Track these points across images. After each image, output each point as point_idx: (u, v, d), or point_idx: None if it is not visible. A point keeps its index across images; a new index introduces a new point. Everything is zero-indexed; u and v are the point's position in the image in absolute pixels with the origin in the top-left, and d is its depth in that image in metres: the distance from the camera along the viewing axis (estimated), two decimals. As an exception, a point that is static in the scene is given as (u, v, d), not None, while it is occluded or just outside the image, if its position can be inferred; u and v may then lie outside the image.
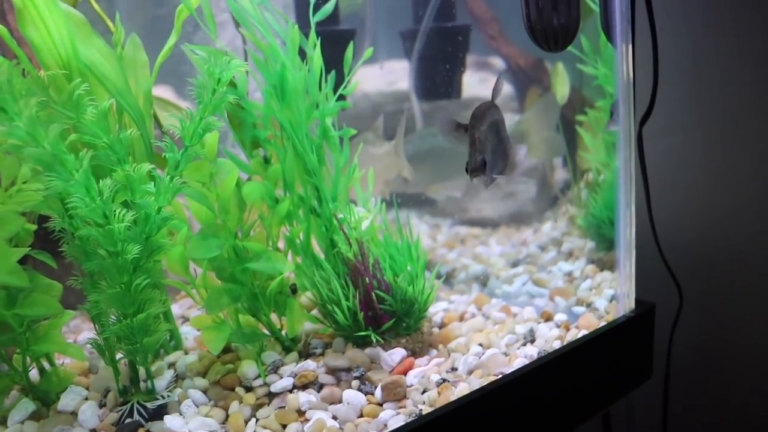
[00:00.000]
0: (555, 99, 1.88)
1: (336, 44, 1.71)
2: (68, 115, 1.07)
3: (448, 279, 1.82)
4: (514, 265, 1.89)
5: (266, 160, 1.30)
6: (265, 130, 1.28)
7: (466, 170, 1.17)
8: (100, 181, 1.05)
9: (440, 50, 2.02)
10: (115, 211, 1.05)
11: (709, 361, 1.88)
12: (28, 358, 1.16)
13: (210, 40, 1.28)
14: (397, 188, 1.87)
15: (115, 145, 1.09)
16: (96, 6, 1.32)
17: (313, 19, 1.33)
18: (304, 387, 1.19)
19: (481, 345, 1.36)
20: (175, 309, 1.59)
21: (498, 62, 2.53)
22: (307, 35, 1.32)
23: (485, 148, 1.18)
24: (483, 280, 1.79)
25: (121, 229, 1.05)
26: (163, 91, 1.78)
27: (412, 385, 1.20)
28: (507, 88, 2.48)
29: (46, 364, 1.21)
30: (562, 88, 1.99)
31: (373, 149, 1.75)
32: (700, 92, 1.80)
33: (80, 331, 1.54)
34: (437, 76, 2.05)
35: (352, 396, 1.16)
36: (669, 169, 1.84)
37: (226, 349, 1.26)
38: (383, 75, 2.46)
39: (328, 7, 1.35)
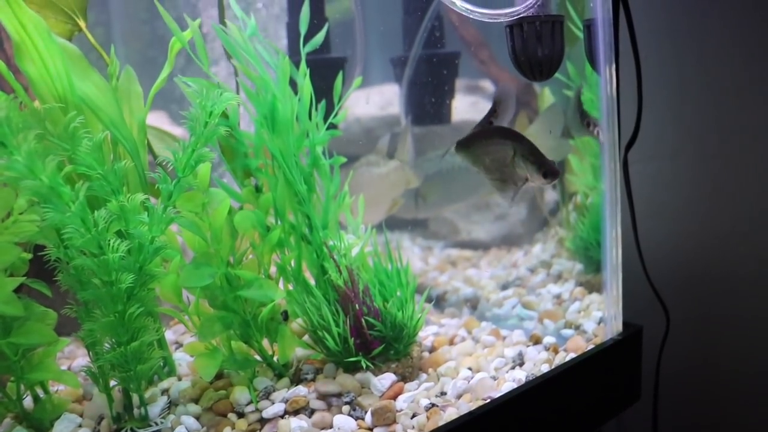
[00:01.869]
0: (559, 108, 1.88)
1: (327, 71, 1.75)
2: (64, 147, 1.09)
3: (439, 302, 1.85)
4: (504, 287, 1.91)
5: (258, 189, 1.32)
6: (256, 159, 1.31)
7: (545, 176, 1.29)
8: (95, 211, 1.07)
9: (430, 76, 2.05)
10: (109, 241, 1.07)
11: (697, 382, 1.90)
12: (22, 386, 1.18)
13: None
14: (405, 209, 1.90)
15: (109, 176, 1.11)
16: (92, 39, 1.35)
17: (304, 50, 1.36)
18: (295, 412, 1.20)
19: (470, 369, 1.38)
20: (169, 335, 1.60)
21: (488, 86, 2.57)
22: (297, 64, 1.35)
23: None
24: (473, 303, 1.81)
25: (116, 259, 1.07)
26: (156, 117, 1.81)
27: (401, 410, 1.22)
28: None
29: (40, 392, 1.22)
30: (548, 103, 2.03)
31: (378, 170, 1.78)
32: (684, 118, 1.84)
33: (75, 357, 1.55)
34: (428, 102, 2.08)
35: (343, 421, 1.18)
36: (655, 193, 1.87)
37: (219, 376, 1.28)
38: (375, 99, 2.50)
39: (318, 39, 1.39)
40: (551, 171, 1.29)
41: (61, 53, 1.17)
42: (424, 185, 1.88)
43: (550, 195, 2.25)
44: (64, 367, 1.41)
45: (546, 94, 2.07)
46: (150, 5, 1.26)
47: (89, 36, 1.37)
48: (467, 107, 2.48)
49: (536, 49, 1.28)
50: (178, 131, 2.10)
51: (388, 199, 1.80)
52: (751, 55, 1.70)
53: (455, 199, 2.05)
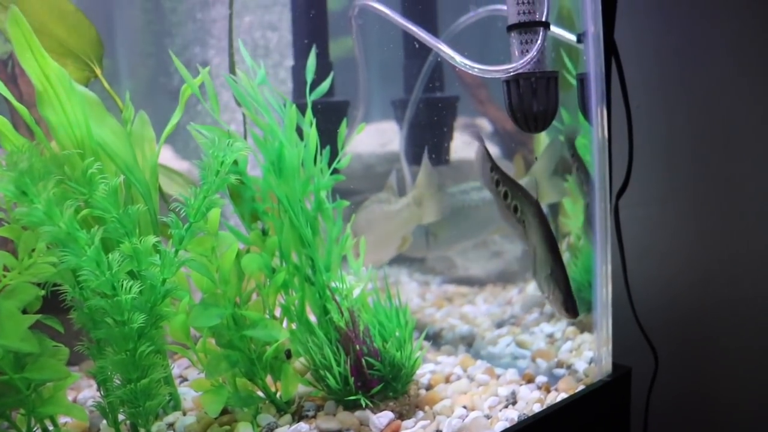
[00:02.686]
0: (560, 144, 1.89)
1: (330, 115, 1.81)
2: (81, 191, 1.15)
3: (436, 339, 1.89)
4: (499, 325, 1.96)
5: (264, 232, 1.38)
6: (263, 204, 1.37)
7: (565, 310, 1.40)
8: (109, 254, 1.13)
9: (429, 118, 2.12)
10: (122, 282, 1.12)
11: (684, 423, 1.95)
12: (32, 419, 1.22)
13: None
14: (416, 246, 1.93)
15: (123, 219, 1.17)
16: (107, 86, 1.41)
17: (310, 98, 1.42)
18: (297, 449, 1.25)
19: (465, 407, 1.42)
20: (174, 368, 1.64)
21: (485, 125, 2.63)
22: (301, 107, 1.41)
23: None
24: (469, 341, 1.86)
25: (128, 300, 1.13)
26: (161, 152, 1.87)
27: (399, 448, 1.26)
28: (493, 151, 2.58)
29: (49, 425, 1.26)
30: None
31: (388, 207, 1.83)
32: (674, 167, 1.90)
33: (80, 388, 1.59)
34: (426, 142, 2.15)
35: (343, 458, 1.22)
36: (644, 237, 1.93)
37: (224, 411, 1.32)
38: (375, 136, 2.57)
39: (323, 87, 1.45)
40: (572, 309, 1.39)
41: (80, 100, 1.23)
42: (435, 223, 1.90)
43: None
44: (69, 398, 1.45)
45: (541, 136, 2.13)
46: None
47: (104, 83, 1.44)
48: (464, 146, 2.54)
49: (532, 103, 1.34)
50: (183, 165, 2.17)
51: (399, 237, 1.84)
52: (739, 108, 1.77)
53: (466, 236, 2.07)
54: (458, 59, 1.36)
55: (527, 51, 1.33)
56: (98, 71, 1.42)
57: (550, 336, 1.85)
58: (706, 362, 1.90)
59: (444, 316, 2.07)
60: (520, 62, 1.33)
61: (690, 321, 1.90)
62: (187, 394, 1.47)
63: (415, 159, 2.19)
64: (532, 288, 2.22)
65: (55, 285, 1.18)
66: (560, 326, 1.89)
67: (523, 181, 1.94)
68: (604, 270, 1.51)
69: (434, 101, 2.10)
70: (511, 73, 1.33)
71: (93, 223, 1.16)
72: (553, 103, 1.37)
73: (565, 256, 2.00)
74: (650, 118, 1.85)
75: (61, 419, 1.31)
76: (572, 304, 1.39)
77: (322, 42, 1.93)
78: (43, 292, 1.23)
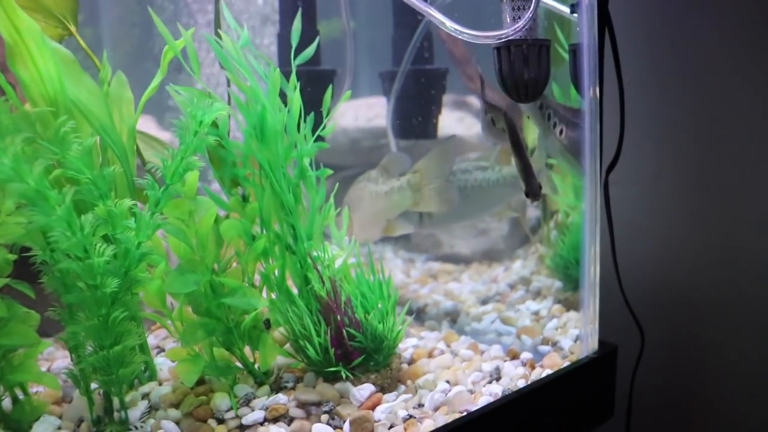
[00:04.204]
0: (453, 146, 1.79)
1: (316, 84, 1.76)
2: (53, 151, 1.11)
3: (420, 315, 1.87)
4: (484, 302, 1.94)
5: (244, 198, 1.34)
6: (244, 169, 1.32)
7: (527, 195, 1.44)
8: (82, 216, 1.08)
9: (418, 91, 2.08)
10: (95, 245, 1.08)
11: (669, 401, 1.94)
12: (1, 387, 1.18)
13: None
14: (408, 224, 1.85)
15: (98, 180, 1.13)
16: (83, 44, 1.36)
17: (294, 62, 1.38)
18: (274, 420, 1.22)
19: (448, 382, 1.40)
20: (151, 339, 1.61)
21: (475, 102, 2.60)
22: (287, 74, 1.37)
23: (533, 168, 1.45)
24: (453, 317, 1.83)
25: (101, 263, 1.09)
26: (143, 122, 1.82)
27: (379, 420, 1.23)
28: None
29: (19, 393, 1.22)
30: (533, 131, 2.06)
31: (376, 187, 1.77)
32: (665, 145, 1.88)
33: (54, 359, 1.55)
34: (414, 116, 2.11)
35: (322, 430, 1.19)
36: (634, 215, 1.91)
37: (200, 381, 1.29)
38: (362, 111, 2.53)
39: (308, 51, 1.41)
40: (533, 192, 1.43)
41: (53, 57, 1.19)
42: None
43: (532, 212, 2.28)
44: (43, 369, 1.41)
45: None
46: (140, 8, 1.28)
47: (80, 40, 1.38)
48: (454, 122, 2.51)
49: (522, 71, 1.31)
50: (165, 136, 2.12)
51: (383, 219, 1.78)
52: (732, 85, 1.75)
53: (462, 218, 2.01)
54: (448, 24, 1.32)
55: (519, 18, 1.30)
56: (73, 28, 1.36)
57: (536, 313, 1.83)
58: (693, 342, 1.89)
59: (428, 293, 2.04)
60: (511, 28, 1.29)
61: (678, 301, 1.89)
62: (163, 364, 1.43)
63: (402, 133, 2.16)
64: (518, 265, 2.20)
65: (24, 250, 1.14)
66: (546, 304, 1.87)
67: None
68: (593, 248, 1.49)
69: (422, 73, 2.06)
70: (502, 40, 1.30)
71: (66, 185, 1.11)
72: (544, 71, 1.34)
73: (553, 234, 1.98)
74: (643, 94, 1.82)
75: (33, 388, 1.27)
76: (534, 187, 1.44)
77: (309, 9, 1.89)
78: (13, 257, 1.19)
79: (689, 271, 1.87)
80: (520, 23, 1.29)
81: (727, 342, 1.82)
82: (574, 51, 1.47)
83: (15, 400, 1.21)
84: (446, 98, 2.23)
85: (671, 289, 1.90)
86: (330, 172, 1.42)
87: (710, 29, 1.77)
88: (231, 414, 1.22)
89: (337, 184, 1.48)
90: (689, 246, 1.86)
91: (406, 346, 1.58)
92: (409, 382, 1.40)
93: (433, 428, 1.20)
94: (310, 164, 1.40)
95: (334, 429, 1.20)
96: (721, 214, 1.80)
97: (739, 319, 1.79)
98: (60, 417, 1.23)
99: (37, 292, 1.18)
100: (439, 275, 2.24)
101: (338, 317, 1.31)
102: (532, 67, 1.31)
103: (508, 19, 1.31)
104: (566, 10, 1.49)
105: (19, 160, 1.03)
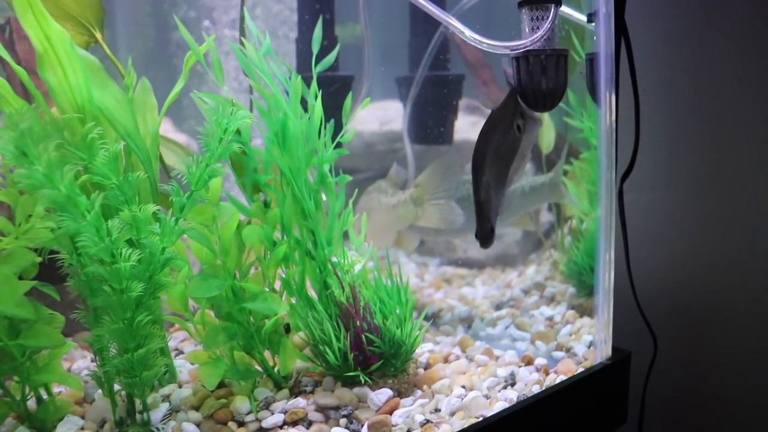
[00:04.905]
0: (453, 159, 1.74)
1: (335, 89, 1.78)
2: (81, 157, 1.13)
3: (435, 319, 1.88)
4: (498, 307, 1.95)
5: (266, 204, 1.36)
6: (265, 175, 1.34)
7: (476, 236, 1.32)
8: (109, 221, 1.10)
9: (434, 97, 2.09)
10: (121, 250, 1.10)
11: (682, 408, 1.95)
12: (26, 387, 1.20)
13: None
14: (424, 231, 1.84)
15: (123, 186, 1.15)
16: (108, 51, 1.38)
17: (315, 70, 1.40)
18: (294, 423, 1.23)
19: (463, 387, 1.41)
20: (170, 342, 1.63)
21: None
22: (306, 80, 1.38)
23: (491, 207, 1.31)
24: (468, 322, 1.85)
25: (127, 268, 1.11)
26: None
27: (397, 425, 1.25)
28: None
29: (43, 393, 1.24)
30: (547, 136, 2.08)
31: (385, 199, 1.78)
32: (680, 153, 1.89)
33: (74, 359, 1.57)
34: (430, 121, 2.12)
35: (340, 433, 1.21)
36: (648, 222, 1.92)
37: (220, 385, 1.31)
38: (377, 115, 2.54)
39: (329, 59, 1.43)
40: (482, 238, 1.32)
41: (81, 64, 1.21)
42: None
43: (545, 216, 2.29)
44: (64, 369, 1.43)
45: (545, 119, 2.11)
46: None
47: (105, 47, 1.41)
48: (467, 127, 2.52)
49: (541, 81, 1.32)
50: (181, 137, 2.14)
51: (393, 231, 1.78)
52: (746, 93, 1.76)
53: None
54: (467, 33, 1.34)
55: (538, 28, 1.31)
56: (99, 36, 1.39)
57: (550, 319, 1.84)
58: (705, 349, 1.89)
59: (442, 297, 2.05)
60: (530, 39, 1.31)
61: (691, 308, 1.90)
62: (182, 366, 1.45)
63: (417, 138, 2.17)
64: (532, 270, 2.21)
65: (51, 254, 1.16)
66: (560, 310, 1.88)
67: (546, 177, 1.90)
68: (608, 255, 1.50)
69: (439, 79, 2.07)
70: (521, 50, 1.31)
71: (92, 190, 1.14)
72: (562, 81, 1.35)
73: (567, 240, 1.99)
74: (657, 102, 1.84)
75: (56, 388, 1.30)
76: (485, 232, 1.32)
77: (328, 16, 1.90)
78: (40, 259, 1.21)
79: (702, 277, 1.88)
80: (539, 33, 1.30)
81: (740, 349, 1.83)
82: (591, 60, 1.49)
83: (39, 400, 1.23)
84: (461, 103, 2.25)
85: (684, 295, 1.91)
86: (349, 178, 1.43)
87: (725, 38, 1.78)
88: (251, 417, 1.24)
89: (356, 190, 1.50)
90: (703, 253, 1.87)
91: (422, 351, 1.59)
92: (425, 386, 1.42)
93: (450, 433, 1.21)
94: (330, 170, 1.42)
95: (353, 433, 1.22)
96: (734, 220, 1.81)
97: (752, 326, 1.80)
98: (82, 417, 1.25)
99: (59, 294, 1.20)
100: (453, 279, 2.25)
101: (357, 322, 1.32)
102: (550, 77, 1.32)
103: (527, 29, 1.33)
104: (583, 18, 1.50)
105: (52, 166, 1.05)
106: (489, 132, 1.35)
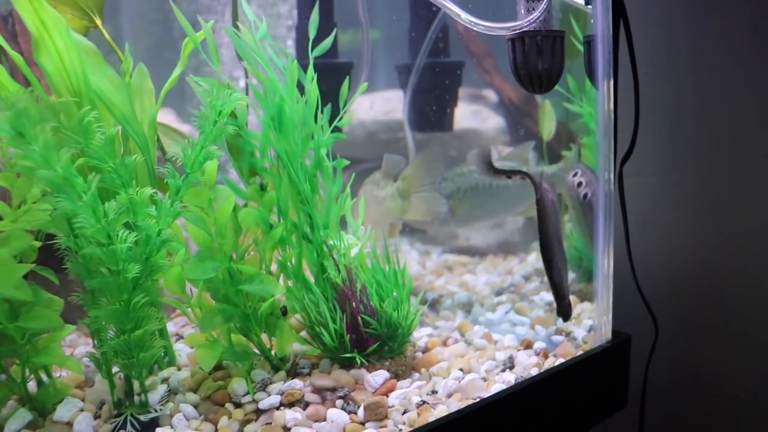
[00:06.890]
0: (438, 153, 1.79)
1: (333, 76, 1.78)
2: (77, 140, 1.14)
3: (435, 305, 1.88)
4: (499, 293, 1.95)
5: (262, 188, 1.36)
6: (262, 159, 1.35)
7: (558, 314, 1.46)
8: (106, 203, 1.11)
9: (434, 84, 2.09)
10: (118, 232, 1.11)
11: (683, 392, 1.94)
12: (27, 370, 1.21)
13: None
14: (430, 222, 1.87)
15: (120, 169, 1.16)
16: (107, 35, 1.39)
17: (312, 54, 1.40)
18: (290, 405, 1.24)
19: (461, 370, 1.42)
20: (170, 326, 1.64)
21: (491, 95, 2.61)
22: (304, 66, 1.39)
23: (564, 286, 1.44)
24: (467, 308, 1.85)
25: (123, 250, 1.11)
26: (164, 114, 1.85)
27: (393, 406, 1.25)
28: (498, 121, 2.56)
29: (43, 376, 1.26)
30: (549, 124, 2.07)
31: (378, 192, 1.79)
32: (680, 136, 1.88)
33: (76, 345, 1.59)
34: (431, 109, 2.12)
35: (336, 415, 1.21)
36: (648, 206, 1.91)
37: (218, 367, 1.32)
38: (379, 104, 2.54)
39: (326, 43, 1.43)
40: (563, 315, 1.46)
41: (77, 49, 1.21)
42: (455, 199, 1.85)
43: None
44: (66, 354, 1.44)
45: (546, 106, 2.11)
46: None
47: (104, 32, 1.41)
48: (469, 116, 2.53)
49: (536, 62, 1.32)
50: (185, 128, 2.15)
51: (386, 223, 1.80)
52: (748, 76, 1.75)
53: (483, 215, 2.02)
54: (463, 16, 1.33)
55: (533, 9, 1.31)
56: (98, 21, 1.39)
57: (550, 304, 1.84)
58: (706, 332, 1.89)
59: (443, 284, 2.06)
60: (525, 20, 1.30)
61: (692, 291, 1.89)
62: (182, 350, 1.46)
63: (418, 126, 2.17)
64: (533, 257, 2.21)
65: (48, 238, 1.17)
66: (560, 295, 1.87)
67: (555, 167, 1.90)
68: (607, 239, 1.50)
69: (438, 66, 2.07)
70: (517, 31, 1.31)
71: (89, 174, 1.14)
72: (558, 62, 1.35)
73: (568, 227, 1.99)
74: (657, 86, 1.83)
75: (57, 373, 1.31)
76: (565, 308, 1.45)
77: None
78: (38, 243, 1.22)
79: (703, 261, 1.87)
80: (535, 14, 1.30)
81: (741, 332, 1.83)
82: (589, 42, 1.48)
83: (39, 382, 1.25)
84: (462, 92, 2.25)
85: (685, 279, 1.90)
86: (347, 162, 1.44)
87: (726, 20, 1.77)
88: (248, 398, 1.25)
89: (353, 174, 1.50)
90: (703, 236, 1.86)
91: (421, 335, 1.60)
92: (423, 369, 1.42)
93: (446, 414, 1.22)
94: (327, 155, 1.42)
95: (349, 414, 1.23)
96: (735, 204, 1.80)
97: (753, 310, 1.79)
98: (82, 400, 1.26)
99: (60, 279, 1.21)
100: (455, 267, 2.25)
101: (353, 304, 1.33)
102: (546, 58, 1.32)
103: (523, 11, 1.33)
104: (581, 1, 1.50)
105: (49, 147, 1.06)
106: (543, 221, 1.43)
